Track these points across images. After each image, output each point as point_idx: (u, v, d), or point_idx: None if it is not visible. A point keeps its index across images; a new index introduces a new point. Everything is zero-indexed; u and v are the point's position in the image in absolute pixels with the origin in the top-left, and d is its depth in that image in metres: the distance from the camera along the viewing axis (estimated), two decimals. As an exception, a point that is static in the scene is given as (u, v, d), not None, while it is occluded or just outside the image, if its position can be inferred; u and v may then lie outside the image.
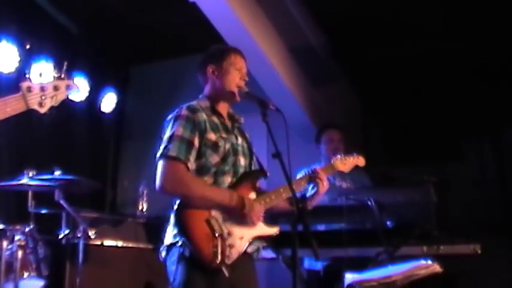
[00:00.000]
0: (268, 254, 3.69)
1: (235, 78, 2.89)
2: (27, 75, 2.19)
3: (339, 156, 3.31)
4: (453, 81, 6.65)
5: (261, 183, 3.02)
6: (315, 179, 3.02)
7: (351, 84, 7.15)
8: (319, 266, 4.01)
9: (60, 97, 2.24)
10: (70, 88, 2.25)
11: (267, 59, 5.24)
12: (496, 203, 6.85)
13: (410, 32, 5.93)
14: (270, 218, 3.08)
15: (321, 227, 4.16)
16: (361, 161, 3.37)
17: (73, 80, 2.30)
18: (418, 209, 3.79)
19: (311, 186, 3.05)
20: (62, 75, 2.24)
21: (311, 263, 4.06)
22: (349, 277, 3.25)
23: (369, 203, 3.76)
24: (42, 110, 2.19)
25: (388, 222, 3.91)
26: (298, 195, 2.94)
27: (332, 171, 3.33)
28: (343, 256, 3.58)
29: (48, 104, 2.20)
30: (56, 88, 2.21)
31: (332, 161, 3.28)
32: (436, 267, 3.27)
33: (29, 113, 2.26)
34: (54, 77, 2.22)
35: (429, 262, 3.29)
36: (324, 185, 3.02)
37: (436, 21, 5.82)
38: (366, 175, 4.42)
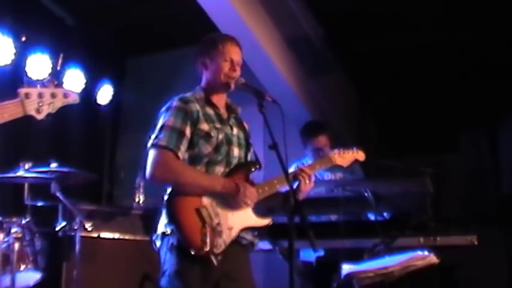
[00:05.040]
0: (265, 245, 3.70)
1: (225, 69, 2.85)
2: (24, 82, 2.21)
3: (337, 150, 3.23)
4: (450, 73, 6.66)
5: (256, 175, 3.01)
6: (299, 176, 2.92)
7: (347, 75, 7.15)
8: (312, 257, 4.01)
9: (57, 104, 2.26)
10: (67, 96, 2.27)
11: (263, 50, 5.22)
12: (492, 194, 6.88)
13: (408, 24, 5.92)
14: (266, 209, 3.08)
15: (318, 218, 4.18)
16: (361, 155, 3.27)
17: (71, 91, 2.33)
18: (415, 200, 3.79)
19: (296, 183, 2.93)
20: (60, 83, 2.27)
21: (305, 254, 4.06)
22: (346, 268, 3.26)
23: (366, 194, 3.76)
24: (39, 117, 2.22)
25: (385, 214, 3.92)
26: (283, 190, 2.88)
27: (329, 165, 3.24)
28: (339, 247, 3.57)
29: (46, 110, 2.23)
30: (53, 95, 2.24)
31: (330, 155, 3.21)
32: (433, 258, 3.27)
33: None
34: (51, 82, 2.24)
35: (426, 253, 3.30)
36: (307, 183, 2.92)
37: (434, 14, 5.81)
38: (359, 166, 4.26)
